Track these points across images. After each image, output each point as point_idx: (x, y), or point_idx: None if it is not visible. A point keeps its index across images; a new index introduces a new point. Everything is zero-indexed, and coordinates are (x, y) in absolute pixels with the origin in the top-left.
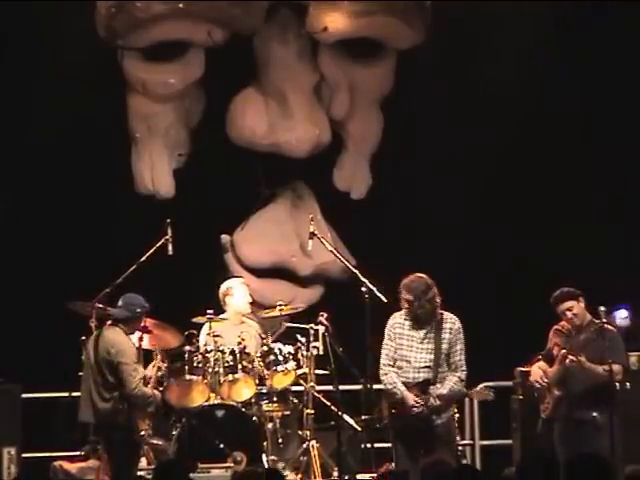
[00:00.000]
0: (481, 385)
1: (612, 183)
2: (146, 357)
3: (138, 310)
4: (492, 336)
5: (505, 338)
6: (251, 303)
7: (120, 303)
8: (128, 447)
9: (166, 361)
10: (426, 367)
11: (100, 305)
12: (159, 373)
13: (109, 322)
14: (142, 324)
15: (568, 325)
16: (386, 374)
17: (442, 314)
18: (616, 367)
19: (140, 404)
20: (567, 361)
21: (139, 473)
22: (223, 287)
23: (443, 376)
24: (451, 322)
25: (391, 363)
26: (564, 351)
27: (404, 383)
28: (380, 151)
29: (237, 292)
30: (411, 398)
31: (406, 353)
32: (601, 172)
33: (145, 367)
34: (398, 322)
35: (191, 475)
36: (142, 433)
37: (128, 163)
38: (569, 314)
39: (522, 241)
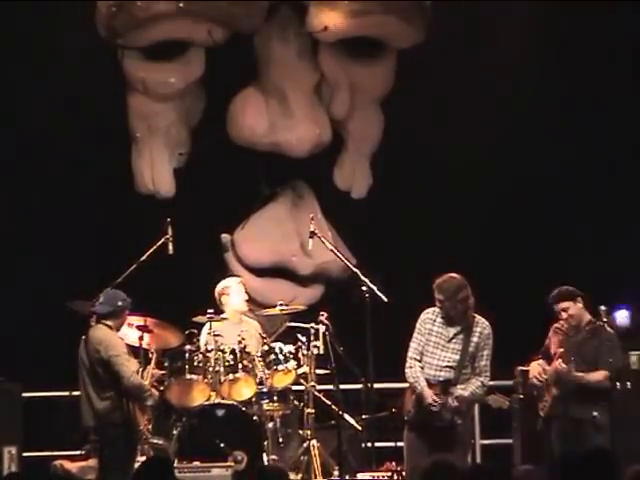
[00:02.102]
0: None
1: (611, 182)
2: (146, 357)
3: (119, 303)
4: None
5: (505, 338)
6: (247, 300)
7: (101, 300)
8: (125, 443)
9: (164, 363)
10: (448, 367)
11: None
12: (153, 378)
13: (94, 321)
14: (143, 323)
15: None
16: (411, 367)
17: (474, 317)
18: (604, 373)
19: (137, 395)
20: (556, 364)
21: None
22: (219, 287)
23: (465, 378)
24: (482, 327)
25: (418, 357)
26: (560, 350)
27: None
28: (380, 150)
29: (233, 291)
30: (430, 396)
31: (431, 350)
32: (600, 170)
33: (144, 367)
34: (429, 317)
35: (192, 475)
36: (141, 428)
37: (128, 162)
38: (564, 315)
39: (522, 241)
